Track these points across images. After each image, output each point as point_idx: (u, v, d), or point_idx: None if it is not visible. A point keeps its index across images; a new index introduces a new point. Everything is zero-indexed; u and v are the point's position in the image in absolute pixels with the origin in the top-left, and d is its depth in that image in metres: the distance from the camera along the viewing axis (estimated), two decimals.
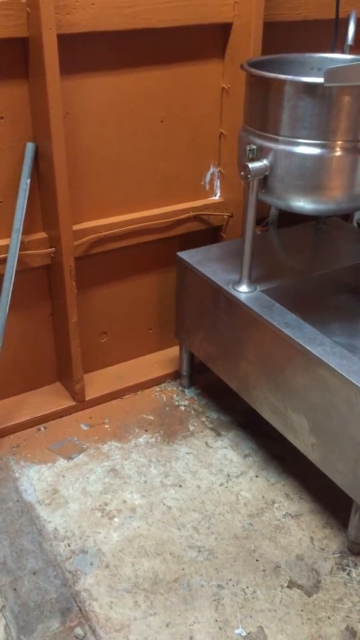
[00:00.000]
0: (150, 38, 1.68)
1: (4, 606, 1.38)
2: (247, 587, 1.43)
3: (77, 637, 1.31)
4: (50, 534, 1.55)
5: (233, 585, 1.43)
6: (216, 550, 1.51)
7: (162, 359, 2.15)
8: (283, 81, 1.43)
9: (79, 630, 1.33)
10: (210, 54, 1.80)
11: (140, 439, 1.85)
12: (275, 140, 1.49)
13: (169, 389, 2.07)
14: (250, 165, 1.49)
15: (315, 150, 1.46)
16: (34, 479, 1.70)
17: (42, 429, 1.89)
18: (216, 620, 1.36)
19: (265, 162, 1.50)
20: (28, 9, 1.44)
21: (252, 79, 1.52)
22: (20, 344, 1.88)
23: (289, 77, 1.42)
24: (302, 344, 1.45)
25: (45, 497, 1.65)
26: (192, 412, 1.97)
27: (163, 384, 2.09)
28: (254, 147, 1.50)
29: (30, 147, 1.61)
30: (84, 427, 1.90)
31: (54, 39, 1.44)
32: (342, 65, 1.45)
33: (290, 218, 2.03)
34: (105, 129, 1.72)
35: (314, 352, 1.42)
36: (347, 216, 2.19)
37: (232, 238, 2.03)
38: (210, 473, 1.73)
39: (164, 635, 1.32)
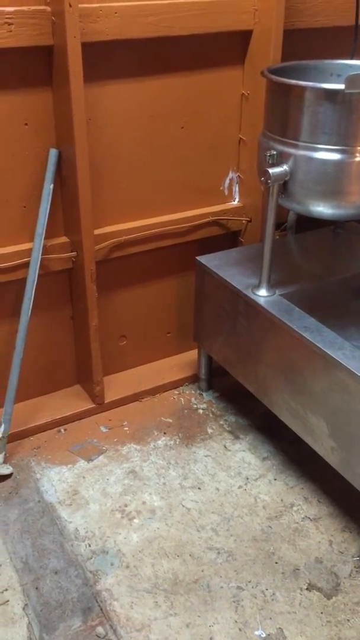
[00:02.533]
0: (171, 45, 1.70)
1: (26, 605, 1.40)
2: (267, 589, 1.44)
3: (98, 636, 1.33)
4: (71, 534, 1.57)
5: (252, 587, 1.44)
6: (235, 552, 1.52)
7: (181, 363, 2.17)
8: (304, 88, 1.45)
9: (100, 630, 1.34)
10: (230, 61, 1.82)
11: (159, 442, 1.87)
12: (296, 146, 1.50)
13: (187, 392, 2.09)
14: (271, 170, 1.51)
15: (335, 156, 1.47)
16: (55, 479, 1.73)
17: (62, 430, 1.91)
18: (236, 622, 1.37)
19: (285, 167, 1.51)
20: (53, 18, 1.47)
21: (273, 86, 1.53)
22: (41, 347, 1.90)
23: (310, 83, 1.44)
24: (322, 348, 1.46)
25: (66, 497, 1.67)
26: (211, 415, 1.98)
27: (181, 387, 2.11)
28: (274, 152, 1.52)
29: (53, 153, 1.64)
30: (104, 430, 1.92)
31: (79, 47, 1.46)
32: None
33: (308, 223, 2.04)
34: (127, 135, 1.75)
35: (333, 356, 1.43)
36: None
37: (250, 243, 2.05)
38: (228, 476, 1.75)
39: (184, 636, 1.34)
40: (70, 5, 1.41)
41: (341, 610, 1.39)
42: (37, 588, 1.44)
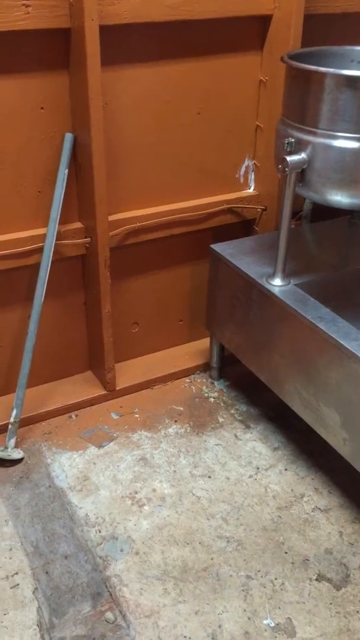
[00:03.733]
0: (189, 30, 1.68)
1: (36, 588, 1.41)
2: (276, 579, 1.44)
3: (107, 622, 1.34)
4: (81, 519, 1.57)
5: (262, 577, 1.44)
6: (245, 542, 1.52)
7: (192, 351, 2.16)
8: (324, 74, 1.42)
9: (109, 615, 1.35)
10: (248, 46, 1.79)
11: (170, 429, 1.87)
12: (314, 134, 1.48)
13: (198, 380, 2.08)
14: (289, 158, 1.49)
15: (355, 144, 1.45)
16: (66, 465, 1.73)
17: (73, 416, 1.91)
18: (245, 610, 1.37)
19: (303, 155, 1.49)
20: (71, 0, 1.45)
21: (293, 72, 1.51)
22: (52, 333, 1.90)
23: (331, 69, 1.41)
24: (337, 339, 1.45)
25: (77, 483, 1.68)
26: (222, 404, 1.98)
27: (193, 376, 2.10)
28: (292, 140, 1.50)
29: (69, 137, 1.63)
30: (114, 416, 1.92)
31: (96, 30, 1.44)
32: None
33: (324, 212, 2.02)
34: (142, 120, 1.73)
35: (348, 347, 1.42)
36: None
37: (265, 231, 2.03)
38: (239, 465, 1.74)
39: (193, 623, 1.34)
40: None
41: (350, 602, 1.39)
42: (47, 572, 1.44)
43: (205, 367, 2.11)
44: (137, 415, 1.92)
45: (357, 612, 1.37)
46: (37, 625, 1.33)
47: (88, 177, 1.64)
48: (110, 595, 1.40)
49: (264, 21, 1.76)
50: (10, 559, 1.47)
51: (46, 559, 1.47)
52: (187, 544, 1.52)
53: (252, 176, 2.01)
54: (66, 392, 1.96)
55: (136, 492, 1.65)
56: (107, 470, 1.72)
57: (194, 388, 2.05)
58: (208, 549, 1.50)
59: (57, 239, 1.70)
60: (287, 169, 1.50)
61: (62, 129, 1.63)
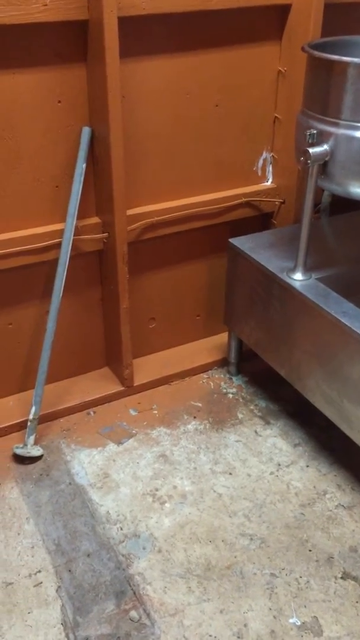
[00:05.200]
0: (207, 20, 1.65)
1: (59, 587, 1.40)
2: (301, 577, 1.42)
3: (132, 620, 1.33)
4: (103, 517, 1.56)
5: (286, 575, 1.43)
6: (268, 539, 1.51)
7: (209, 346, 2.15)
8: (347, 64, 1.39)
9: (133, 614, 1.34)
10: (267, 36, 1.77)
11: (189, 426, 1.85)
12: (337, 125, 1.46)
13: (216, 376, 2.07)
14: (311, 150, 1.46)
15: None
16: (85, 462, 1.72)
17: (92, 413, 1.90)
18: (270, 609, 1.35)
19: (325, 147, 1.47)
20: None
21: (314, 62, 1.48)
22: (70, 329, 1.89)
23: (355, 59, 1.38)
24: None
25: (97, 480, 1.66)
26: (240, 400, 1.96)
27: (210, 371, 2.08)
28: (314, 131, 1.47)
29: (86, 131, 1.61)
30: (133, 413, 1.91)
31: (115, 21, 1.42)
32: None
33: (342, 205, 1.99)
34: (160, 113, 1.71)
35: None
36: None
37: (283, 225, 2.00)
38: (260, 461, 1.73)
39: (218, 622, 1.33)
40: None
41: None
42: (70, 570, 1.43)
43: (223, 363, 2.09)
44: (156, 412, 1.91)
45: None
46: (62, 624, 1.32)
47: (106, 172, 1.62)
48: (134, 593, 1.38)
49: (283, 10, 1.73)
50: (33, 557, 1.46)
51: (69, 557, 1.46)
52: (210, 541, 1.50)
53: (270, 169, 1.98)
54: (84, 389, 1.95)
55: (157, 490, 1.64)
56: (127, 467, 1.71)
57: (212, 384, 2.03)
58: (231, 547, 1.49)
59: (74, 235, 1.69)
60: (309, 161, 1.47)
61: (79, 122, 1.61)
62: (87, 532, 1.52)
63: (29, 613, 1.34)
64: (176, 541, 1.50)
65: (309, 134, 1.47)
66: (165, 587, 1.40)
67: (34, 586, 1.40)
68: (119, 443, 1.79)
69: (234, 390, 2.00)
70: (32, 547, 1.48)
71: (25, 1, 1.38)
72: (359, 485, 1.64)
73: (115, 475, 1.68)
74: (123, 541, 1.50)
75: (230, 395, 1.98)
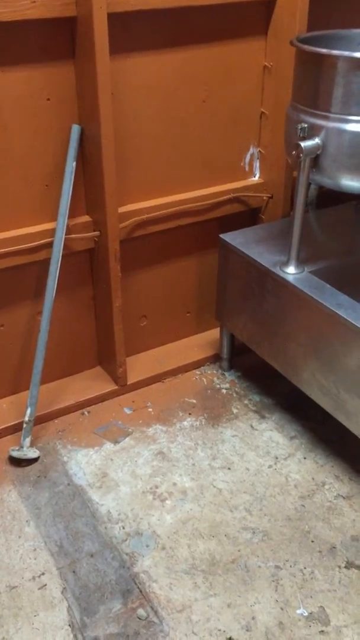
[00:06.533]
0: (193, 16, 1.65)
1: (64, 588, 1.39)
2: (305, 568, 1.43)
3: (140, 618, 1.32)
4: (104, 516, 1.55)
5: (290, 566, 1.43)
6: (270, 532, 1.51)
7: (201, 342, 2.15)
8: (337, 57, 1.40)
9: (141, 612, 1.33)
10: (252, 32, 1.77)
11: (185, 422, 1.85)
12: (327, 118, 1.47)
13: (209, 372, 2.07)
14: (303, 144, 1.47)
15: None
16: (83, 462, 1.71)
17: (86, 413, 1.89)
18: (277, 601, 1.36)
19: (317, 140, 1.48)
20: None
21: (304, 56, 1.49)
22: (61, 329, 1.87)
23: (345, 52, 1.39)
24: (358, 325, 1.44)
25: (95, 480, 1.65)
26: (234, 394, 1.97)
27: (203, 367, 2.09)
28: (305, 125, 1.48)
29: (76, 129, 1.60)
30: (127, 411, 1.90)
31: (105, 18, 1.41)
32: None
33: (328, 198, 2.01)
34: (148, 109, 1.70)
35: None
36: None
37: (271, 219, 2.01)
38: (257, 455, 1.73)
39: (226, 616, 1.33)
40: None
41: None
42: (74, 571, 1.42)
43: (215, 359, 2.10)
44: (151, 409, 1.91)
45: None
46: (69, 625, 1.31)
47: (97, 170, 1.61)
48: (140, 591, 1.38)
49: (268, 5, 1.74)
50: (36, 559, 1.45)
51: (72, 558, 1.45)
52: (213, 536, 1.50)
53: (257, 164, 1.99)
54: (77, 389, 1.94)
55: (157, 487, 1.64)
56: (125, 465, 1.70)
57: (205, 380, 2.03)
58: (234, 541, 1.49)
59: (65, 234, 1.67)
60: (301, 155, 1.48)
61: (68, 120, 1.60)
62: (89, 532, 1.51)
63: (35, 616, 1.33)
64: (179, 538, 1.50)
65: (300, 128, 1.48)
66: (171, 584, 1.40)
67: (39, 589, 1.38)
68: (116, 442, 1.78)
69: (227, 385, 2.01)
70: (34, 550, 1.47)
71: None
72: (357, 476, 1.66)
73: (113, 474, 1.67)
74: (126, 540, 1.50)
75: (224, 391, 1.98)
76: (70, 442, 1.78)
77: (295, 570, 1.42)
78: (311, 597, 1.37)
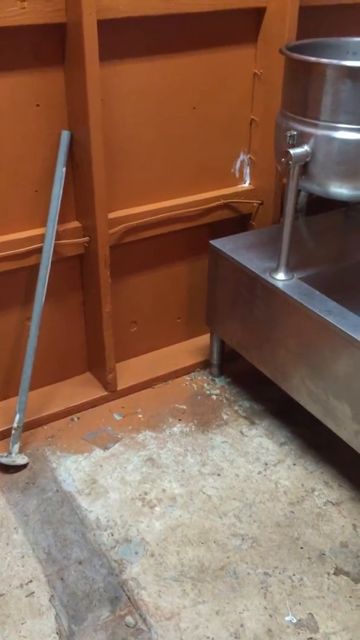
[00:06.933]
0: (183, 23, 1.66)
1: (52, 596, 1.38)
2: (294, 575, 1.43)
3: (128, 626, 1.32)
4: (93, 523, 1.55)
5: (279, 573, 1.43)
6: (260, 538, 1.51)
7: (191, 348, 2.15)
8: (326, 65, 1.41)
9: (129, 619, 1.33)
10: (243, 39, 1.78)
11: (175, 428, 1.85)
12: (316, 126, 1.47)
13: (199, 378, 2.07)
14: (292, 151, 1.47)
15: (357, 135, 1.44)
16: (72, 469, 1.70)
17: (75, 419, 1.88)
18: (265, 608, 1.36)
19: (306, 147, 1.48)
20: None
21: (293, 64, 1.50)
22: (51, 334, 1.87)
23: (333, 61, 1.40)
24: (347, 332, 1.44)
25: (85, 487, 1.65)
26: (224, 400, 1.97)
27: (193, 373, 2.08)
28: (295, 133, 1.49)
29: (65, 134, 1.60)
30: (117, 417, 1.90)
31: (94, 24, 1.42)
32: None
33: (318, 205, 2.02)
34: (139, 116, 1.71)
35: (358, 339, 1.42)
36: None
37: (261, 226, 2.02)
38: (247, 461, 1.73)
39: (214, 623, 1.33)
40: None
41: None
42: (62, 579, 1.41)
43: (205, 365, 2.10)
44: (140, 416, 1.90)
45: None
46: (57, 633, 1.30)
47: (86, 175, 1.61)
48: (129, 599, 1.37)
49: (258, 13, 1.75)
50: (23, 566, 1.44)
51: (60, 565, 1.44)
52: (202, 543, 1.50)
53: (248, 170, 1.99)
54: (66, 395, 1.93)
55: (146, 493, 1.63)
56: (114, 472, 1.69)
57: (195, 386, 2.03)
58: (223, 548, 1.49)
59: (55, 239, 1.67)
60: (290, 162, 1.48)
61: (58, 126, 1.60)
62: (77, 539, 1.51)
63: (22, 624, 1.32)
64: (168, 544, 1.50)
65: (290, 135, 1.49)
66: (160, 591, 1.39)
67: (26, 596, 1.38)
68: (105, 448, 1.78)
69: (218, 391, 2.01)
70: (22, 557, 1.46)
71: (2, 4, 1.36)
72: (346, 482, 1.66)
73: (103, 481, 1.67)
74: (114, 547, 1.49)
75: (214, 397, 1.98)
76: (60, 449, 1.77)
77: (284, 577, 1.42)
78: (300, 603, 1.37)
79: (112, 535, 1.52)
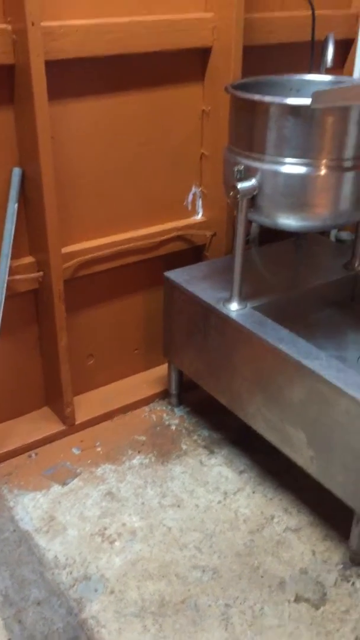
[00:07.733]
0: (131, 63, 1.70)
1: (9, 639, 1.34)
2: (255, 604, 1.43)
3: None
4: (51, 562, 1.52)
5: (240, 603, 1.43)
6: (220, 569, 1.51)
7: (149, 379, 2.15)
8: (269, 103, 1.47)
9: None
10: (190, 78, 1.83)
11: (134, 461, 1.84)
12: (262, 160, 1.52)
13: (158, 408, 2.07)
14: (239, 185, 1.52)
15: (301, 169, 1.50)
16: (29, 506, 1.68)
17: (33, 455, 1.86)
18: None
19: (253, 181, 1.53)
20: (14, 36, 1.44)
21: (238, 102, 1.55)
22: (7, 370, 1.85)
23: (276, 98, 1.46)
24: (298, 359, 1.47)
25: (42, 524, 1.62)
26: (184, 430, 1.97)
27: (152, 404, 2.09)
28: (242, 167, 1.53)
29: (17, 172, 1.61)
30: (76, 451, 1.88)
31: (42, 65, 1.44)
32: (329, 88, 1.49)
33: (271, 235, 2.07)
34: (89, 152, 1.73)
35: (310, 367, 1.45)
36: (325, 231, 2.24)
37: (215, 257, 2.05)
38: (207, 491, 1.73)
39: None
40: (32, 24, 1.39)
41: (330, 620, 1.40)
42: (20, 621, 1.38)
43: (164, 395, 2.10)
44: (99, 449, 1.89)
45: (337, 630, 1.38)
46: None
47: (39, 211, 1.62)
48: (88, 638, 1.35)
49: (204, 53, 1.81)
50: None
51: (18, 607, 1.41)
52: (163, 577, 1.49)
53: (200, 203, 2.03)
54: (23, 431, 1.91)
55: (105, 529, 1.61)
56: (73, 508, 1.68)
57: (154, 416, 2.03)
58: (184, 581, 1.48)
59: (8, 275, 1.67)
60: (238, 196, 1.52)
61: (9, 163, 1.61)
62: (35, 579, 1.48)
63: None
64: (128, 580, 1.48)
65: (237, 170, 1.53)
66: (120, 628, 1.37)
67: None
68: (64, 484, 1.76)
69: (177, 421, 2.01)
70: None
71: None
72: (305, 507, 1.68)
73: (61, 518, 1.64)
74: (74, 585, 1.47)
75: (173, 427, 1.98)
76: (17, 486, 1.75)
77: (245, 608, 1.42)
78: (261, 634, 1.36)
79: (71, 573, 1.49)
